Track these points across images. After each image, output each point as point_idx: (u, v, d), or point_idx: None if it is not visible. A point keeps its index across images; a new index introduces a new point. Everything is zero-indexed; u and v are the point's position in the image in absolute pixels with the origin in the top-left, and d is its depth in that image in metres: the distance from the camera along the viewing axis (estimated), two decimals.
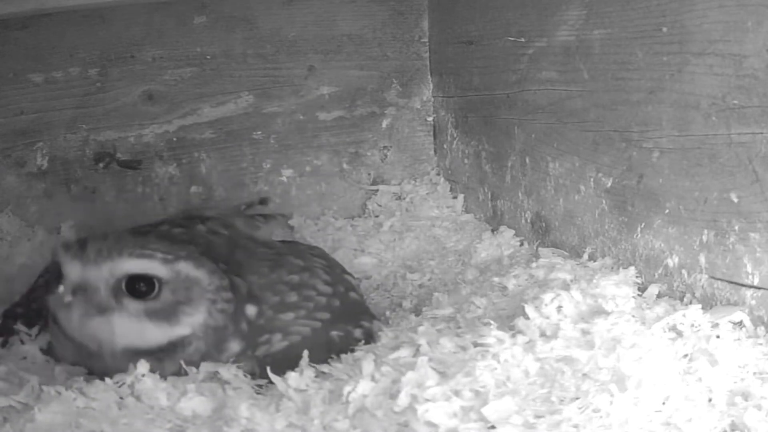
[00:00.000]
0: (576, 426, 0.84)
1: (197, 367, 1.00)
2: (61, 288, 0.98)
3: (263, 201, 1.64)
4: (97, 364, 1.00)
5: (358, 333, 1.12)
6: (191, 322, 1.01)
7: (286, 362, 1.02)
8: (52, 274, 1.12)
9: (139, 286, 0.99)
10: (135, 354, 0.98)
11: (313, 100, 1.73)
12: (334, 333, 1.10)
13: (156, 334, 1.00)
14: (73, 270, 0.97)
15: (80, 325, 0.98)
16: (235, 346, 1.04)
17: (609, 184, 1.25)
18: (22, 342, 1.09)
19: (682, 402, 0.87)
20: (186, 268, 1.02)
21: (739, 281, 1.02)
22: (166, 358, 1.00)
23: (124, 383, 0.96)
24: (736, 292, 1.03)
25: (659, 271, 1.15)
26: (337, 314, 1.13)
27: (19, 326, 1.09)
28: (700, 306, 1.03)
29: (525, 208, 1.48)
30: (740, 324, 1.00)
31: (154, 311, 0.99)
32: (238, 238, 1.24)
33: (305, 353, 1.02)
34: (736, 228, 1.02)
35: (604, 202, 1.26)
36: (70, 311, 0.97)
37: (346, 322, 1.13)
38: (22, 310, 1.14)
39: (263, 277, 1.12)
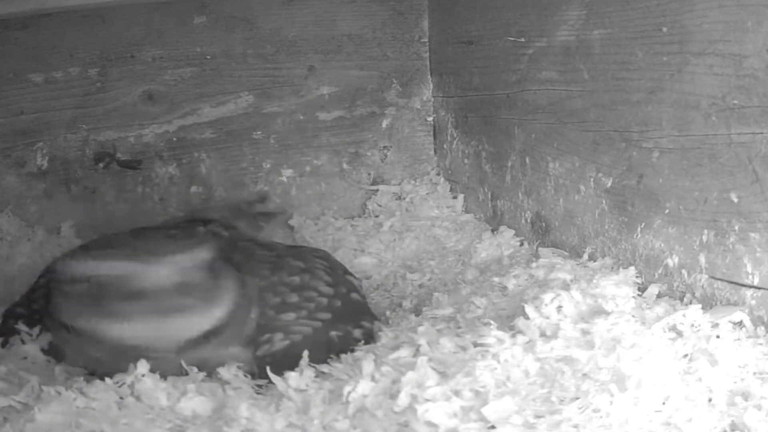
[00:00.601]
0: (576, 426, 0.84)
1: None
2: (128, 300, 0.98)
3: (263, 198, 1.65)
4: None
5: (358, 333, 1.12)
6: (226, 304, 1.03)
7: (286, 361, 1.02)
8: (55, 275, 1.12)
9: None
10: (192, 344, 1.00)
11: (313, 100, 1.73)
12: (333, 333, 1.11)
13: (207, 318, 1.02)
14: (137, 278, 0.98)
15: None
16: (238, 350, 1.05)
17: (609, 184, 1.25)
18: (23, 342, 1.09)
19: (682, 402, 0.87)
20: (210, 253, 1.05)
21: (739, 281, 1.02)
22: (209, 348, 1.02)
23: (124, 383, 0.96)
24: (736, 292, 1.03)
25: (659, 271, 1.15)
26: (338, 315, 1.13)
27: (21, 326, 1.09)
28: (700, 306, 1.03)
29: (525, 208, 1.48)
30: (740, 324, 1.00)
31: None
32: (239, 240, 1.24)
33: (305, 353, 1.02)
34: (736, 228, 1.02)
35: (604, 202, 1.26)
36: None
37: (347, 322, 1.13)
38: (23, 309, 1.14)
39: (264, 279, 1.13)
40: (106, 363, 0.99)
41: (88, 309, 0.99)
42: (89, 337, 1.00)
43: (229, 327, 1.04)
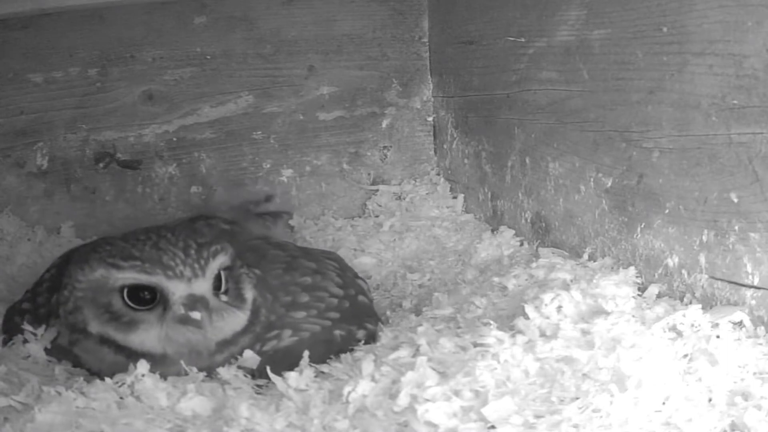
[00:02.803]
0: (576, 426, 0.84)
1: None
2: (181, 311, 0.99)
3: (269, 198, 1.66)
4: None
5: (361, 334, 1.13)
6: (248, 300, 1.06)
7: (292, 358, 1.03)
8: (59, 270, 1.13)
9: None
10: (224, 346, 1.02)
11: (313, 100, 1.73)
12: (337, 332, 1.11)
13: (239, 318, 1.04)
14: (182, 287, 0.99)
15: (205, 333, 1.00)
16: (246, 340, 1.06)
17: (609, 184, 1.25)
18: (26, 340, 1.09)
19: (682, 402, 0.87)
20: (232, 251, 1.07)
21: (739, 281, 1.02)
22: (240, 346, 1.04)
23: (124, 383, 0.96)
24: (736, 292, 1.03)
25: (659, 271, 1.15)
26: (345, 315, 1.14)
27: (26, 325, 1.09)
28: (700, 306, 1.03)
29: (525, 208, 1.48)
30: (740, 324, 1.00)
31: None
32: (251, 239, 1.24)
33: (306, 353, 1.03)
34: (736, 228, 1.02)
35: (604, 202, 1.26)
36: (201, 324, 0.98)
37: (352, 323, 1.14)
38: (29, 305, 1.14)
39: (276, 278, 1.14)
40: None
41: (120, 317, 1.00)
42: (121, 347, 1.00)
43: (249, 326, 1.05)
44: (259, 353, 1.04)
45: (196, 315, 0.98)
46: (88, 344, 1.03)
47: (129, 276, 0.99)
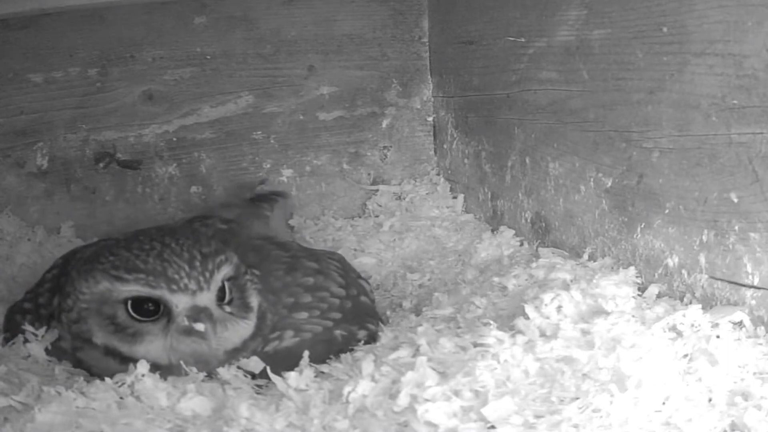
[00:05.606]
0: (576, 426, 0.84)
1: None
2: (185, 323, 0.98)
3: (263, 181, 1.66)
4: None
5: (362, 335, 1.13)
6: (254, 307, 1.06)
7: (293, 358, 1.03)
8: (61, 271, 1.13)
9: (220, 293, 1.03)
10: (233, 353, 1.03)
11: (313, 100, 1.73)
12: (337, 332, 1.11)
13: (246, 327, 1.04)
14: (186, 300, 0.99)
15: (212, 345, 1.00)
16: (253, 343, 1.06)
17: (609, 184, 1.25)
18: (27, 340, 1.08)
19: (682, 402, 0.87)
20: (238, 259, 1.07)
21: (739, 281, 1.02)
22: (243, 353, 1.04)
23: (124, 383, 0.96)
24: (736, 292, 1.03)
25: (659, 271, 1.15)
26: (346, 316, 1.14)
27: (27, 326, 1.09)
28: (700, 306, 1.03)
29: (525, 208, 1.48)
30: (740, 324, 1.00)
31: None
32: (248, 237, 1.25)
33: (305, 353, 1.03)
34: (736, 228, 1.02)
35: (604, 202, 1.26)
36: (205, 336, 0.98)
37: (353, 323, 1.14)
38: (30, 305, 1.14)
39: (278, 280, 1.14)
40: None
41: (125, 328, 1.00)
42: (126, 357, 1.00)
43: (257, 331, 1.05)
44: (260, 354, 1.04)
45: (200, 326, 0.98)
46: (93, 353, 1.02)
47: (133, 289, 0.99)
